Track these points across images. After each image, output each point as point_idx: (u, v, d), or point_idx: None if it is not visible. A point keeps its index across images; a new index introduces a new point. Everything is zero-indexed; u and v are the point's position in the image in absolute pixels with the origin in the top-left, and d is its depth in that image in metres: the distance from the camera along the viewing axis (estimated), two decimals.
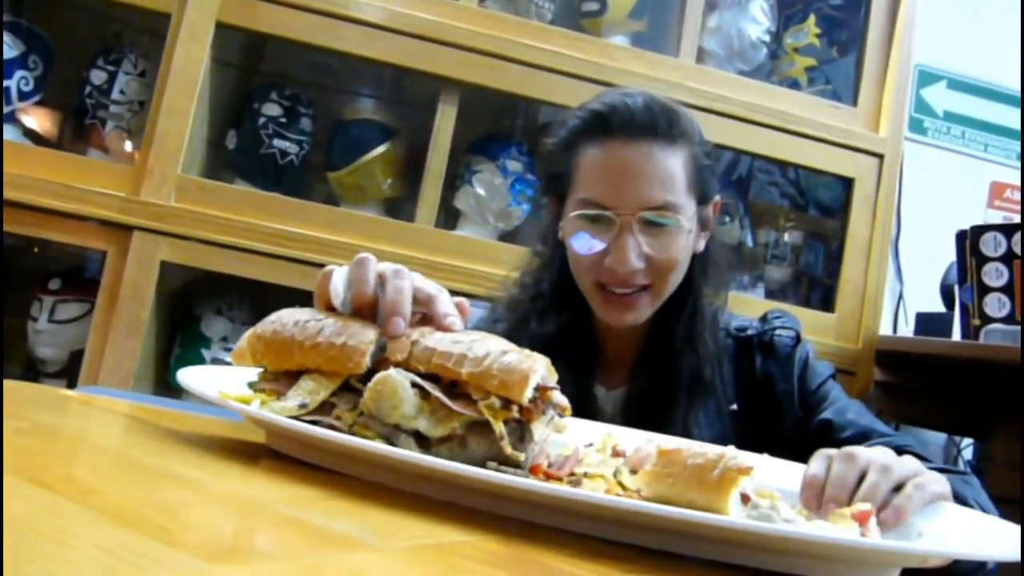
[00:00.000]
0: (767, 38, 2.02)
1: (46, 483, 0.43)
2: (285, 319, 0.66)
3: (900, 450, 1.01)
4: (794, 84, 2.04)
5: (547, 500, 0.54)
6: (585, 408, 1.08)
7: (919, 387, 1.81)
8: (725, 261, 1.15)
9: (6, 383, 0.73)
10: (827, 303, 1.94)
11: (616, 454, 0.70)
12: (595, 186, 1.02)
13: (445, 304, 0.69)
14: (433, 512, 0.55)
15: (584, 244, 1.02)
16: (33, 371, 1.77)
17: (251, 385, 0.67)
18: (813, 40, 2.05)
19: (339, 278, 0.69)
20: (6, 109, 1.69)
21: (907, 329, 2.06)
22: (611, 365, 1.12)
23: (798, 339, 1.10)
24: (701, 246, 1.10)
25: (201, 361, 1.73)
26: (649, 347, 1.09)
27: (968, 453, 2.07)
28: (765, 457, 0.76)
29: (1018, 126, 2.29)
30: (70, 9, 1.91)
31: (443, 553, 0.47)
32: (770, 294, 2.03)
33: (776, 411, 1.07)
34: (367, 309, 0.68)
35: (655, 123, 1.02)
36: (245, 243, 1.64)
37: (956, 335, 1.76)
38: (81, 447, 0.60)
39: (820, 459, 0.72)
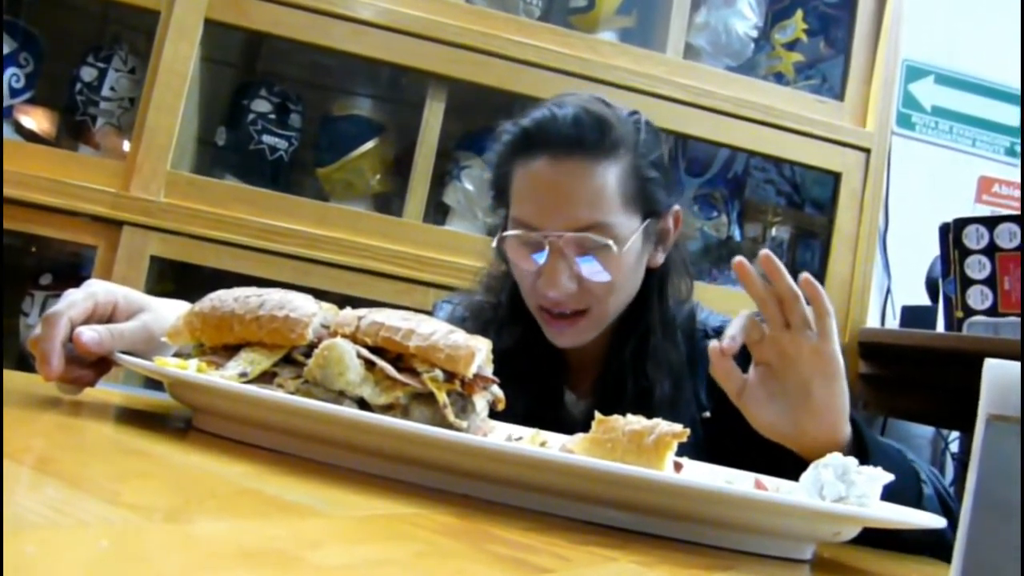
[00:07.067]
0: (755, 33, 2.03)
1: (5, 453, 0.45)
2: (223, 296, 0.67)
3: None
4: (783, 80, 2.05)
5: (490, 456, 0.56)
6: (557, 413, 1.07)
7: (904, 380, 1.82)
8: (688, 264, 1.11)
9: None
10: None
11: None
12: (524, 207, 0.99)
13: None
14: (389, 487, 0.56)
15: (520, 263, 1.00)
16: (25, 366, 1.78)
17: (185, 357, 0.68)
18: (801, 35, 2.06)
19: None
20: None
21: (895, 323, 2.07)
22: (578, 373, 1.09)
23: None
24: (659, 260, 1.05)
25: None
26: (609, 361, 1.06)
27: (955, 446, 2.08)
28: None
29: (1007, 121, 2.29)
30: (61, 7, 1.93)
31: (394, 522, 0.48)
32: None
33: None
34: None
35: (582, 138, 0.96)
36: (234, 238, 1.66)
37: (940, 327, 1.77)
38: (49, 424, 0.61)
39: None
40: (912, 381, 1.82)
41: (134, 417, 0.69)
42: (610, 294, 0.99)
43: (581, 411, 1.08)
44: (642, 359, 1.03)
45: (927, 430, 2.12)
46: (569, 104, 1.00)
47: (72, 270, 1.83)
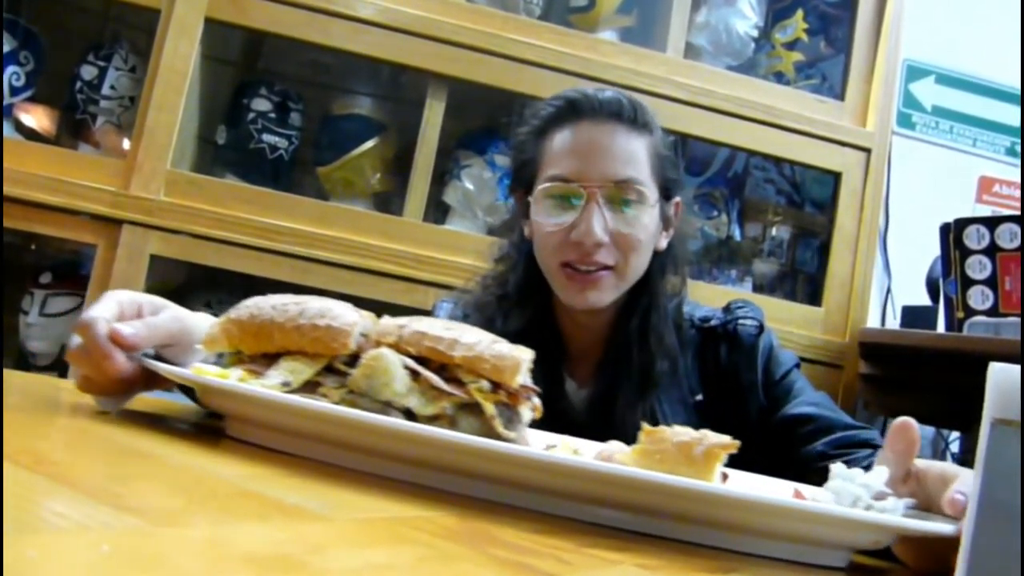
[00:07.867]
0: (755, 33, 2.03)
1: (5, 455, 0.45)
2: (261, 303, 0.66)
3: (865, 443, 1.04)
4: (783, 79, 2.04)
5: (559, 470, 0.56)
6: (557, 402, 1.09)
7: (905, 380, 1.82)
8: (685, 260, 1.18)
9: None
10: (815, 297, 1.95)
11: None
12: (562, 162, 1.06)
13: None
14: (393, 490, 0.56)
15: (551, 218, 1.05)
16: (24, 365, 1.78)
17: (225, 365, 0.68)
18: (801, 35, 2.06)
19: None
20: None
21: (895, 323, 2.07)
22: (578, 360, 1.13)
23: (761, 328, 1.12)
24: (663, 244, 1.12)
25: None
26: (610, 343, 1.10)
27: (956, 446, 2.08)
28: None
29: (1007, 121, 2.29)
30: (61, 5, 1.92)
31: (396, 525, 0.48)
32: (757, 288, 2.04)
33: (741, 401, 1.09)
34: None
35: (621, 110, 1.07)
36: (234, 237, 1.65)
37: (941, 328, 1.77)
38: (49, 425, 0.61)
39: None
40: (912, 381, 1.81)
41: (135, 418, 0.69)
42: (635, 251, 1.05)
43: (581, 399, 1.11)
44: (645, 334, 1.08)
45: (927, 430, 2.12)
46: (606, 88, 1.11)
47: (72, 269, 1.82)
